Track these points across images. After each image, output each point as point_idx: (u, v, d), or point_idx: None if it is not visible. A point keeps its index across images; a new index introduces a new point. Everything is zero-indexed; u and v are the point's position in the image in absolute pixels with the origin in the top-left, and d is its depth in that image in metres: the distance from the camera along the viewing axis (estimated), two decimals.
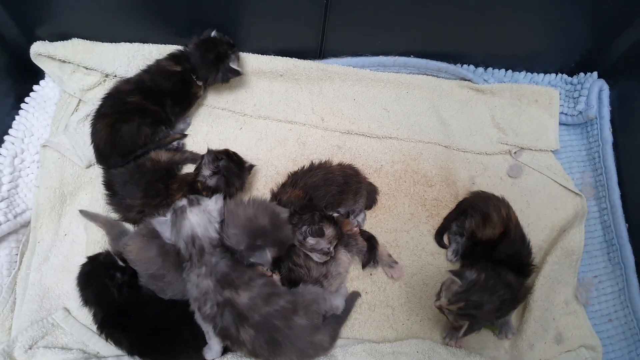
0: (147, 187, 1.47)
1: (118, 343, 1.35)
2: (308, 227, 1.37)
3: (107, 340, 1.36)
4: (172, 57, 1.63)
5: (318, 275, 1.43)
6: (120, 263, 1.36)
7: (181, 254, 1.28)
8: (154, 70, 1.61)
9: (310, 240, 1.37)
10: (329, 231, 1.39)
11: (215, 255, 1.26)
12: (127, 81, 1.61)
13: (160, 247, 1.34)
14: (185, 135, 1.73)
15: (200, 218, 1.27)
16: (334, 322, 1.42)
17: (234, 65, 1.61)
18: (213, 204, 1.30)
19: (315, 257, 1.41)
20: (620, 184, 1.70)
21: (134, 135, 1.53)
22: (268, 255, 1.27)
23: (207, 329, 1.29)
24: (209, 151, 1.49)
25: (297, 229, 1.38)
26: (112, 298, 1.32)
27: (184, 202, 1.30)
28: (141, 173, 1.50)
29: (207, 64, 1.60)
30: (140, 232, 1.39)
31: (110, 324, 1.35)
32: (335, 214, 1.52)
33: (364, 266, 1.54)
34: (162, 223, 1.29)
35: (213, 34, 1.60)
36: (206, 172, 1.47)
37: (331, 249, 1.40)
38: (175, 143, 1.69)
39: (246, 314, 1.22)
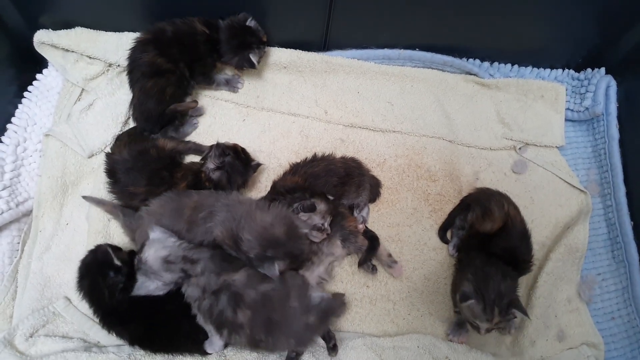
0: (152, 174, 1.47)
1: (119, 335, 1.35)
2: (299, 203, 1.36)
3: (109, 333, 1.36)
4: (204, 21, 1.65)
5: (308, 251, 1.41)
6: (116, 262, 1.33)
7: (178, 281, 1.28)
8: (180, 23, 1.62)
9: (303, 217, 1.36)
10: (321, 206, 1.38)
11: (204, 255, 1.28)
12: (147, 31, 1.62)
13: (176, 208, 1.36)
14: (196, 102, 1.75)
15: (155, 247, 1.27)
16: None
17: (253, 59, 1.63)
18: (154, 234, 1.30)
19: (312, 236, 1.38)
20: (625, 181, 1.69)
21: (159, 94, 1.59)
22: (276, 269, 1.23)
23: (209, 328, 1.29)
24: (218, 145, 1.49)
25: (289, 208, 1.36)
26: (103, 297, 1.31)
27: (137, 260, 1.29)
28: (145, 161, 1.49)
29: (229, 45, 1.63)
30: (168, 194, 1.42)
31: (108, 318, 1.34)
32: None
33: (360, 264, 1.52)
34: (141, 287, 1.25)
35: (249, 22, 1.62)
36: (211, 165, 1.48)
37: (325, 225, 1.38)
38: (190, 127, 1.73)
39: (242, 293, 1.23)
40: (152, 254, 1.26)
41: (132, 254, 1.35)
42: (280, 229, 1.26)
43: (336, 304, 1.36)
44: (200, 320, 1.29)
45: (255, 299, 1.23)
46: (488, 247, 1.44)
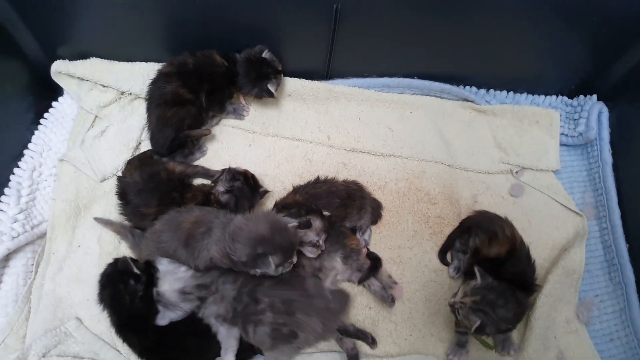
0: (163, 195, 1.53)
1: (131, 344, 1.39)
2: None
3: (123, 342, 1.40)
4: (222, 54, 1.73)
5: (312, 270, 1.46)
6: (136, 270, 1.38)
7: (196, 308, 1.34)
8: (200, 55, 1.70)
9: (299, 233, 1.39)
10: (317, 223, 1.41)
11: (215, 275, 1.35)
12: (170, 63, 1.70)
13: (176, 223, 1.42)
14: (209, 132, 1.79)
15: (169, 280, 1.32)
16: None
17: (271, 88, 1.71)
18: (163, 266, 1.36)
19: (307, 252, 1.43)
20: (620, 204, 1.72)
21: (178, 123, 1.67)
22: (271, 262, 1.25)
23: (229, 344, 1.33)
24: (230, 169, 1.57)
25: None
26: (125, 304, 1.36)
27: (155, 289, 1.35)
28: (156, 182, 1.55)
29: (248, 78, 1.72)
30: (172, 212, 1.48)
31: (123, 327, 1.38)
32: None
33: (360, 282, 1.54)
34: (164, 317, 1.31)
35: (265, 54, 1.70)
36: (221, 188, 1.54)
37: (320, 242, 1.42)
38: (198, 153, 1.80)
39: (258, 281, 1.31)
40: (167, 288, 1.31)
41: (148, 263, 1.40)
42: (264, 225, 1.28)
43: (347, 298, 1.42)
44: (222, 335, 1.33)
45: (270, 284, 1.28)
46: (499, 273, 1.44)
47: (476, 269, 1.38)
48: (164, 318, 1.31)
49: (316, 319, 1.27)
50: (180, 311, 1.31)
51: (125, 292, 1.35)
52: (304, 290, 1.32)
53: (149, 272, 1.37)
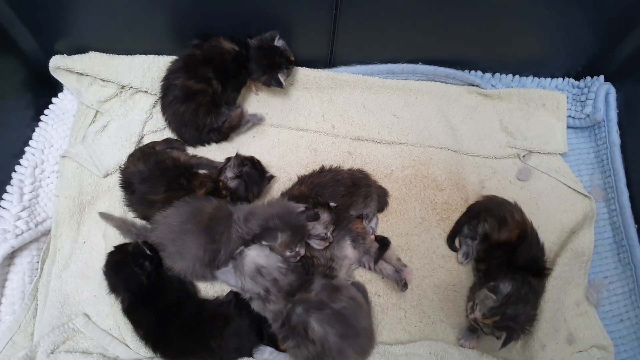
0: (170, 182, 1.52)
1: (138, 327, 1.41)
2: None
3: (131, 324, 1.42)
4: (232, 39, 1.70)
5: (325, 261, 1.47)
6: (148, 252, 1.41)
7: (253, 294, 1.30)
8: (207, 46, 1.68)
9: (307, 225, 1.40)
10: (324, 215, 1.42)
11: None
12: (177, 58, 1.69)
13: (196, 207, 1.43)
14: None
15: (260, 250, 1.31)
16: None
17: (281, 78, 1.69)
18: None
19: (314, 244, 1.43)
20: (628, 185, 1.72)
21: (195, 117, 1.68)
22: (279, 236, 1.30)
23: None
24: (237, 155, 1.56)
25: None
26: (140, 284, 1.38)
27: (242, 247, 1.34)
28: (162, 169, 1.54)
29: (259, 65, 1.69)
30: (187, 199, 1.47)
31: (135, 308, 1.40)
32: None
33: (375, 262, 1.53)
34: (226, 272, 1.33)
35: (277, 42, 1.67)
36: (230, 173, 1.54)
37: (328, 234, 1.43)
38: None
39: (317, 306, 1.26)
40: (252, 255, 1.31)
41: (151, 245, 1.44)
42: (275, 208, 1.37)
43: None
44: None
45: (328, 314, 1.25)
46: (513, 260, 1.44)
47: (486, 291, 1.35)
48: (224, 274, 1.33)
49: (357, 356, 1.28)
50: (235, 284, 1.31)
51: (142, 273, 1.38)
52: (357, 326, 1.29)
53: (157, 253, 1.43)
